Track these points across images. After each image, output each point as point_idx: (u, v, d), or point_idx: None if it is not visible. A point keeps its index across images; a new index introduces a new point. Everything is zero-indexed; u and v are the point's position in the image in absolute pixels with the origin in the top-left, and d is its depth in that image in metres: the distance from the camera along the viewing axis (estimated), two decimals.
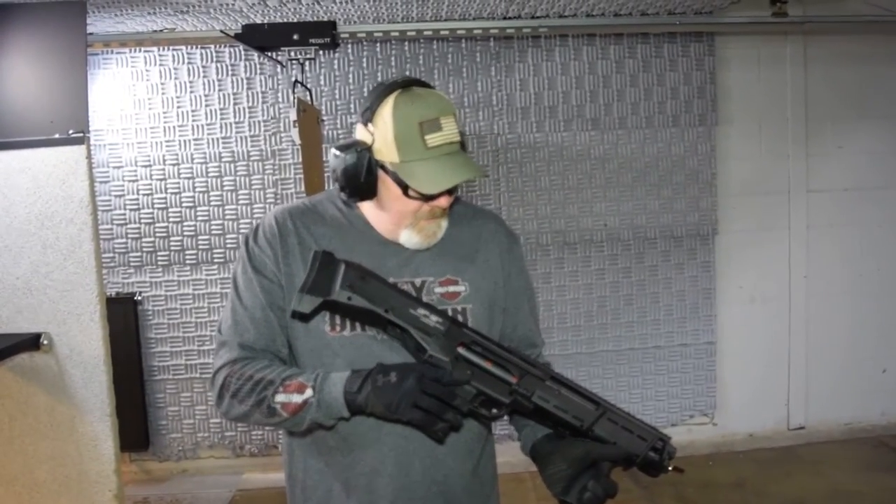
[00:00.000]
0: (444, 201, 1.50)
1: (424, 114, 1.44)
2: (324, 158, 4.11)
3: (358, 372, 1.40)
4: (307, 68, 4.14)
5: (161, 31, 3.92)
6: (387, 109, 1.46)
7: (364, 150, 1.48)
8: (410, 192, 1.47)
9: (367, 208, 1.57)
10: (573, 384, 1.48)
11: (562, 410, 1.45)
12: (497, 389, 1.44)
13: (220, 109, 4.20)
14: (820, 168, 4.60)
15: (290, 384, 1.42)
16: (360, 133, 1.52)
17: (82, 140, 2.73)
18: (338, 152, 1.50)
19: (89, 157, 2.74)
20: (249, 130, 4.22)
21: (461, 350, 1.43)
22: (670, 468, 1.49)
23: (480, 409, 1.44)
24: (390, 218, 1.53)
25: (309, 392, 1.40)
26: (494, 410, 1.45)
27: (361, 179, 1.48)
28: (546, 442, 1.53)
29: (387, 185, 1.49)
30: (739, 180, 4.56)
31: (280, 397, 1.42)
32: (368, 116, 1.49)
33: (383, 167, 1.48)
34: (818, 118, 4.57)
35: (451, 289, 1.57)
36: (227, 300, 1.57)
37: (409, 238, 1.53)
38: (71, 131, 2.75)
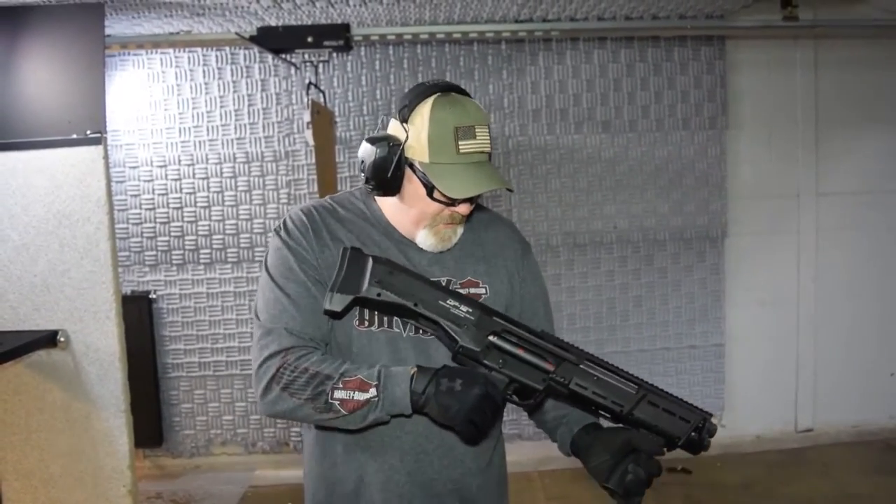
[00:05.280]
0: (464, 208, 1.51)
1: (462, 120, 1.46)
2: (336, 160, 4.15)
3: (424, 371, 1.41)
4: (321, 70, 4.18)
5: (177, 33, 3.96)
6: (426, 109, 1.47)
7: (396, 145, 1.49)
8: (435, 194, 1.48)
9: (387, 205, 1.58)
10: (611, 366, 1.48)
11: (601, 396, 1.45)
12: (530, 377, 1.45)
13: (235, 111, 4.24)
14: (830, 171, 4.58)
15: (350, 381, 1.41)
16: (394, 128, 1.53)
17: (99, 140, 2.77)
18: (369, 144, 1.51)
19: (106, 157, 2.78)
20: (263, 131, 4.25)
21: (493, 339, 1.45)
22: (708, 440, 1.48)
23: (514, 396, 1.46)
24: (410, 217, 1.54)
25: (373, 391, 1.40)
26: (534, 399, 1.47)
27: (388, 174, 1.49)
28: (584, 434, 1.53)
29: (413, 184, 1.51)
30: (749, 183, 4.55)
31: (339, 394, 1.40)
32: (406, 114, 1.49)
33: (412, 165, 1.49)
34: (828, 122, 4.55)
35: (473, 290, 1.59)
36: (263, 292, 1.54)
37: (424, 239, 1.55)
38: (88, 131, 2.79)
